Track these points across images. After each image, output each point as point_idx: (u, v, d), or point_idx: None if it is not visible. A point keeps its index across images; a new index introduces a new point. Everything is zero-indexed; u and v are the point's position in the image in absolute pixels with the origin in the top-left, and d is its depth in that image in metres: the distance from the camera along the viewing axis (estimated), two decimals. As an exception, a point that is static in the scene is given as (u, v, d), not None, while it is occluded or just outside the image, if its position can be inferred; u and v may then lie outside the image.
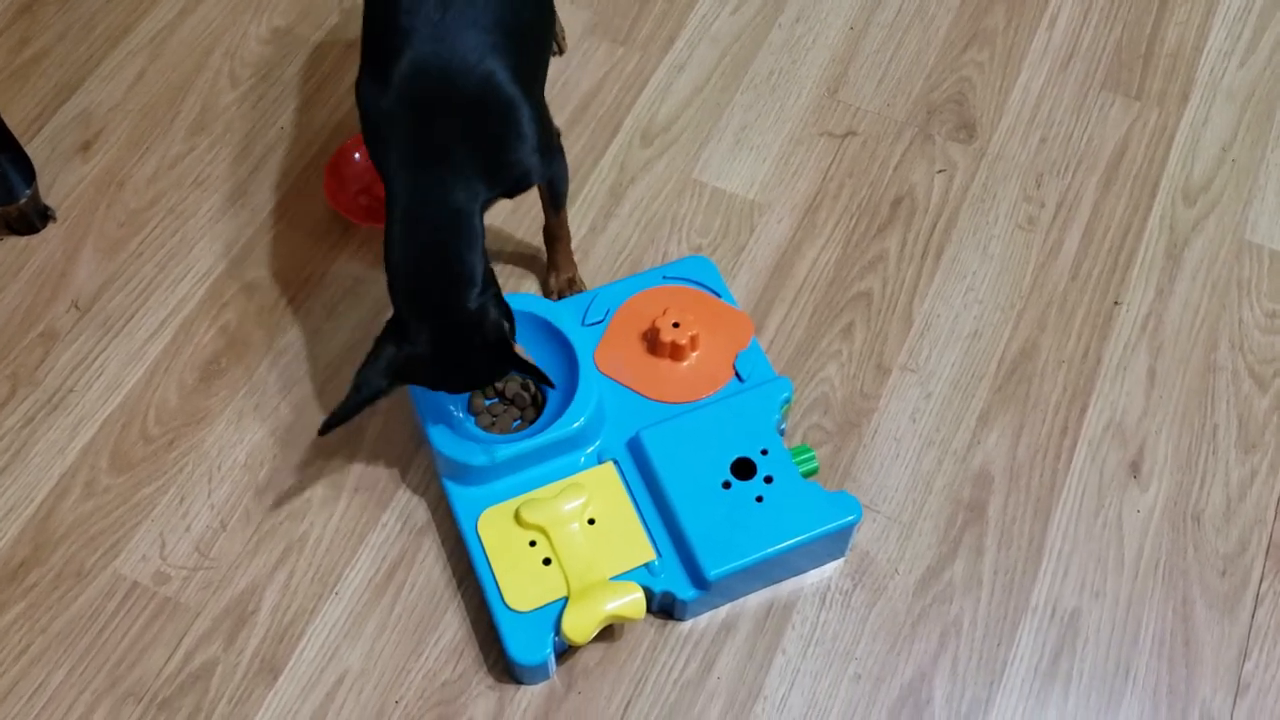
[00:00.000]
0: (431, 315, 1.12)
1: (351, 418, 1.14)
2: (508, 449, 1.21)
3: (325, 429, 1.13)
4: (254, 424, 1.31)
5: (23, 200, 1.37)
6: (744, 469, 1.21)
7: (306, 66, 1.57)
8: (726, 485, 1.20)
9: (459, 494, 1.22)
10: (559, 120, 1.51)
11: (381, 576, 1.24)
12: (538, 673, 1.16)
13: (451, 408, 1.24)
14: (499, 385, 1.28)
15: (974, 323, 1.38)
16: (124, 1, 1.59)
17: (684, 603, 1.18)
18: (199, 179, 1.47)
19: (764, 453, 1.21)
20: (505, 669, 1.17)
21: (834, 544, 1.21)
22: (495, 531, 1.20)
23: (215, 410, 1.32)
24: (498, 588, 1.16)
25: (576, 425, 1.21)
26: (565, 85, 1.54)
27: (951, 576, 1.23)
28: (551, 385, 1.18)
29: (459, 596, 1.22)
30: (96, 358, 1.35)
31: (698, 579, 1.17)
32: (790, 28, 1.60)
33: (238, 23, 1.58)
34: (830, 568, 1.23)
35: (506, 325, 1.15)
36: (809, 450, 1.24)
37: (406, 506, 1.27)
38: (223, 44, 1.57)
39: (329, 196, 1.42)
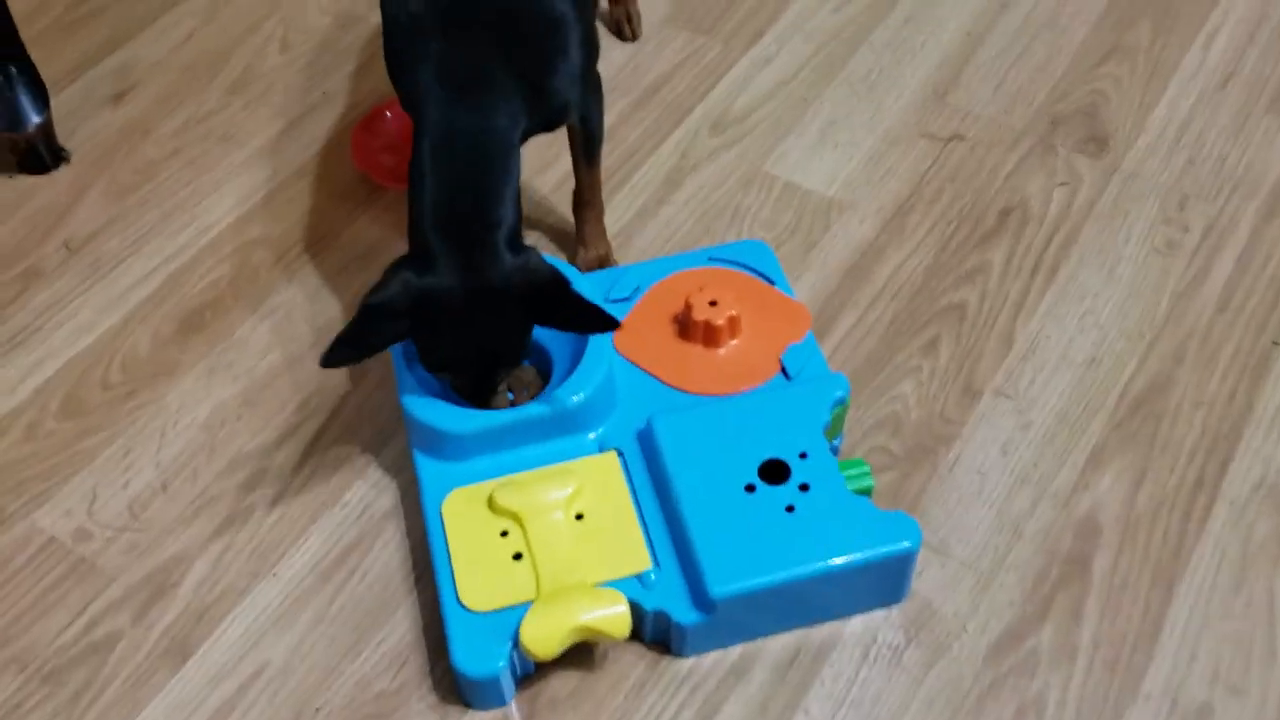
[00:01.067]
0: (465, 249, 0.93)
1: (359, 356, 0.94)
2: (488, 417, 1.00)
3: (329, 360, 0.92)
4: (224, 383, 1.14)
5: (31, 129, 1.26)
6: (776, 473, 0.98)
7: (362, 40, 1.44)
8: (751, 489, 0.96)
9: (428, 468, 1.01)
10: (621, 103, 1.35)
11: (330, 562, 1.03)
12: (489, 692, 0.92)
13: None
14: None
15: (1091, 349, 1.13)
16: (193, -32, 1.54)
17: (683, 629, 0.93)
18: (226, 134, 1.34)
19: (803, 456, 0.97)
20: (453, 685, 0.95)
21: (884, 581, 0.95)
22: (462, 515, 0.98)
23: (186, 364, 1.15)
24: (452, 579, 0.95)
25: (575, 399, 1.00)
26: (635, 70, 1.38)
27: (1037, 644, 0.95)
28: (615, 325, 0.94)
29: (414, 594, 1.00)
30: (74, 300, 1.20)
31: (700, 598, 0.92)
32: (898, 28, 1.41)
33: (301, -7, 1.50)
34: (879, 615, 0.97)
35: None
36: (863, 464, 1.00)
37: (375, 487, 1.06)
38: (280, 11, 1.46)
39: (354, 153, 1.27)
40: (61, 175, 1.31)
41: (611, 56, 1.40)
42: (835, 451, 1.04)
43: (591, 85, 1.06)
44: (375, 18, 1.47)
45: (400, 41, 0.97)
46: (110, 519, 1.06)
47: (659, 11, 1.44)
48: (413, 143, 0.96)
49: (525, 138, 0.99)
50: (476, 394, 1.00)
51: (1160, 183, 1.25)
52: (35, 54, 1.36)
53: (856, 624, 0.97)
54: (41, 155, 1.29)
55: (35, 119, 1.26)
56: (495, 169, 0.94)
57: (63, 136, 1.33)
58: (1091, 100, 1.33)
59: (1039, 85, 1.35)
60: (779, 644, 0.96)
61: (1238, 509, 1.01)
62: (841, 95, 1.35)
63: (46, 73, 1.38)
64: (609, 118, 1.33)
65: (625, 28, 1.41)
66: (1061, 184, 1.26)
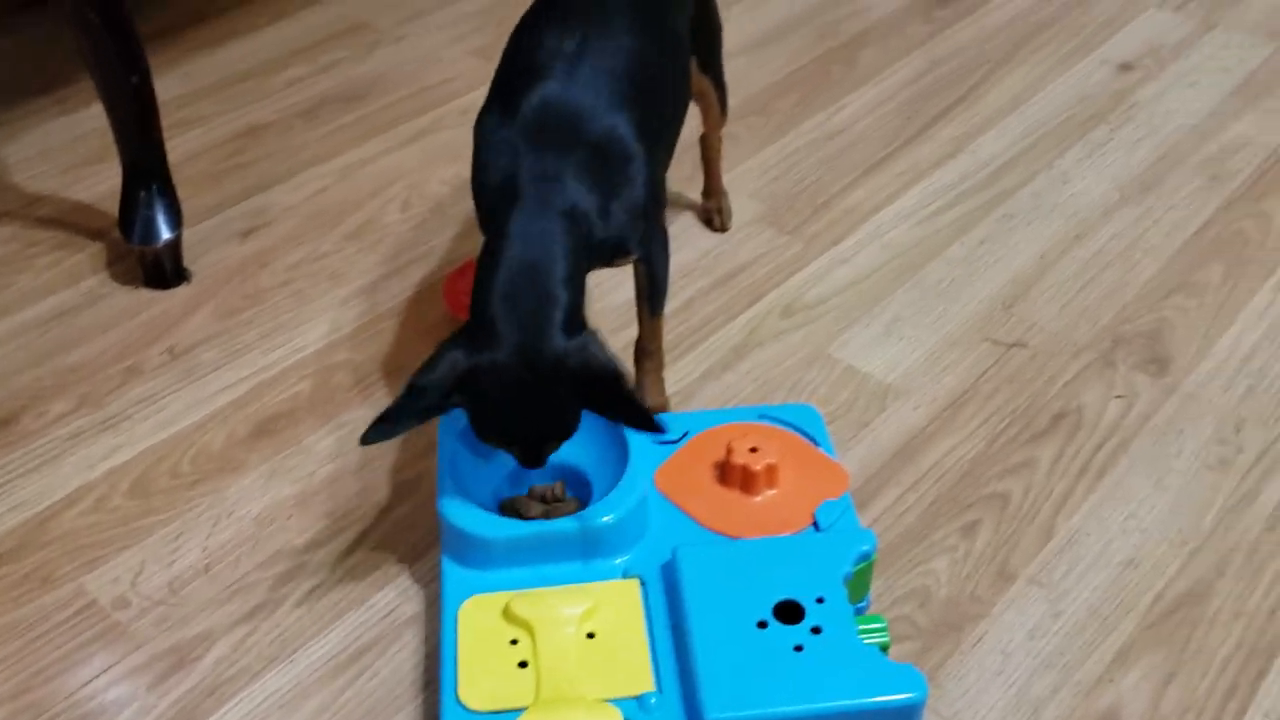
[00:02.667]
0: (523, 327, 0.98)
1: (400, 429, 0.98)
2: (515, 526, 1.03)
3: (368, 438, 0.97)
4: (283, 484, 1.20)
5: (161, 244, 1.39)
6: (791, 614, 0.98)
7: (471, 209, 1.56)
8: (763, 625, 0.96)
9: (453, 574, 1.03)
10: (702, 282, 1.43)
11: (346, 657, 1.04)
12: (473, 795, 0.91)
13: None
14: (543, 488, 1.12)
15: (1132, 550, 1.11)
16: (337, 138, 1.68)
17: (677, 756, 0.92)
18: (335, 273, 1.45)
19: (819, 601, 0.97)
20: (441, 788, 0.93)
21: (887, 736, 0.93)
22: (477, 619, 0.99)
23: (251, 464, 1.22)
24: (455, 677, 0.95)
25: (605, 520, 1.03)
26: (718, 257, 1.46)
27: (1046, 834, 0.91)
28: (659, 430, 0.97)
29: (420, 699, 1.00)
30: (165, 397, 1.29)
31: (697, 723, 0.92)
32: (974, 247, 1.47)
33: (428, 167, 1.62)
34: (881, 778, 0.94)
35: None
36: (882, 621, 0.98)
37: (403, 594, 1.09)
38: (406, 179, 1.60)
39: (445, 294, 1.37)
40: (180, 292, 1.43)
41: (698, 243, 1.49)
42: (860, 612, 1.04)
43: (656, 231, 1.14)
44: (487, 194, 1.60)
45: (490, 157, 1.06)
46: (151, 591, 1.10)
47: (750, 211, 1.54)
48: (484, 245, 1.04)
49: (593, 260, 1.06)
50: (526, 460, 1.02)
51: (1218, 405, 1.26)
52: (183, 190, 1.51)
53: (858, 784, 0.94)
54: (165, 271, 1.42)
55: (166, 235, 1.39)
56: (557, 258, 1.00)
57: (190, 260, 1.46)
58: (1156, 326, 1.36)
59: (1105, 308, 1.38)
60: (775, 793, 0.93)
61: (1272, 721, 0.97)
62: (911, 297, 1.40)
63: (189, 206, 1.53)
64: (688, 293, 1.42)
65: (715, 219, 1.50)
66: (1118, 396, 1.27)
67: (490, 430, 1.02)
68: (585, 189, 1.05)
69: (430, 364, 0.99)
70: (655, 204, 1.12)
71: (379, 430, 0.97)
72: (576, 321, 1.01)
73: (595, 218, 1.05)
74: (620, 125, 1.06)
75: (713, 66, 1.34)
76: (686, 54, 1.21)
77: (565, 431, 1.03)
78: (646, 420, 0.97)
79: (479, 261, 1.04)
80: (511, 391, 0.99)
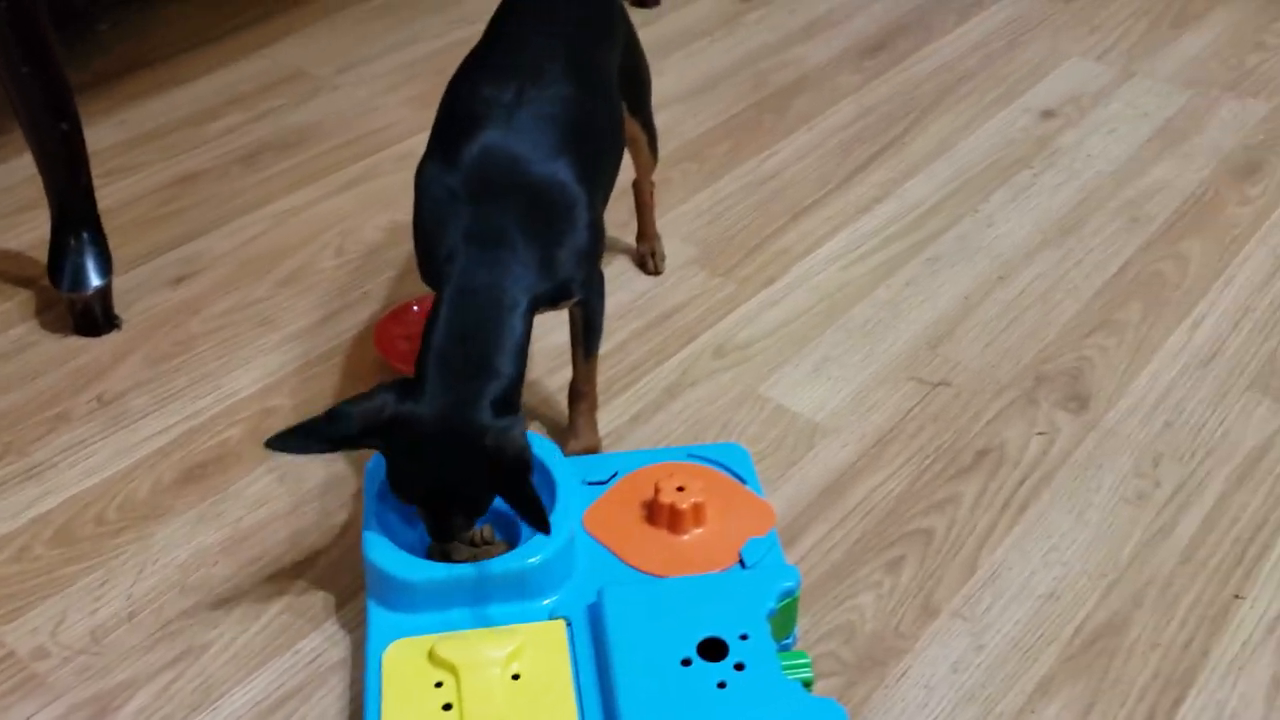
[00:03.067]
0: (454, 393, 1.00)
1: (307, 448, 0.99)
2: (440, 569, 1.03)
3: (274, 441, 0.98)
4: (209, 529, 1.19)
5: (90, 291, 1.39)
6: (715, 651, 0.98)
7: (407, 253, 1.56)
8: (687, 663, 0.97)
9: (378, 618, 1.03)
10: (636, 324, 1.44)
11: (270, 703, 1.03)
12: (396, 838, 0.91)
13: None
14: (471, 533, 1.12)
15: (1053, 583, 1.13)
16: (272, 184, 1.68)
17: (601, 796, 0.92)
18: (266, 319, 1.45)
19: (743, 638, 0.98)
20: (365, 833, 0.93)
21: (810, 770, 0.94)
22: (401, 664, 0.99)
23: (178, 510, 1.21)
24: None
25: (531, 561, 1.03)
26: (652, 299, 1.48)
27: None
28: (547, 531, 0.99)
29: (345, 742, 1.01)
30: (92, 444, 1.28)
31: (621, 762, 0.92)
32: (900, 289, 1.50)
33: (363, 213, 1.63)
34: (806, 813, 0.95)
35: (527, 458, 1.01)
36: (805, 657, 1.00)
37: (330, 640, 1.08)
38: (342, 225, 1.61)
39: (377, 338, 1.37)
40: (110, 339, 1.42)
41: (633, 286, 1.50)
42: (786, 648, 1.05)
43: (594, 277, 1.15)
44: (423, 240, 1.61)
45: (432, 208, 1.08)
46: (71, 641, 1.08)
47: (684, 254, 1.56)
48: (434, 299, 1.05)
49: (538, 307, 1.08)
50: (434, 531, 1.03)
51: (1137, 441, 1.29)
52: (116, 238, 1.51)
53: (782, 820, 0.94)
54: (96, 318, 1.41)
55: (96, 282, 1.38)
56: (503, 323, 1.02)
57: (121, 307, 1.45)
58: (1078, 364, 1.39)
59: (1028, 347, 1.41)
60: (700, 831, 0.94)
61: (1188, 749, 0.99)
62: (839, 338, 1.43)
63: (122, 254, 1.54)
64: (622, 335, 1.43)
65: (649, 262, 1.52)
66: (1040, 433, 1.30)
67: (401, 485, 1.03)
68: (530, 237, 1.06)
69: (363, 397, 1.01)
70: (596, 248, 1.14)
71: (286, 440, 0.98)
72: (510, 399, 1.03)
73: (541, 266, 1.07)
74: (562, 171, 1.09)
75: (642, 112, 1.37)
76: (618, 99, 1.24)
77: (473, 508, 1.04)
78: (541, 521, 0.98)
79: (427, 320, 1.05)
80: (425, 451, 1.00)
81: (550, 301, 1.11)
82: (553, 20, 1.19)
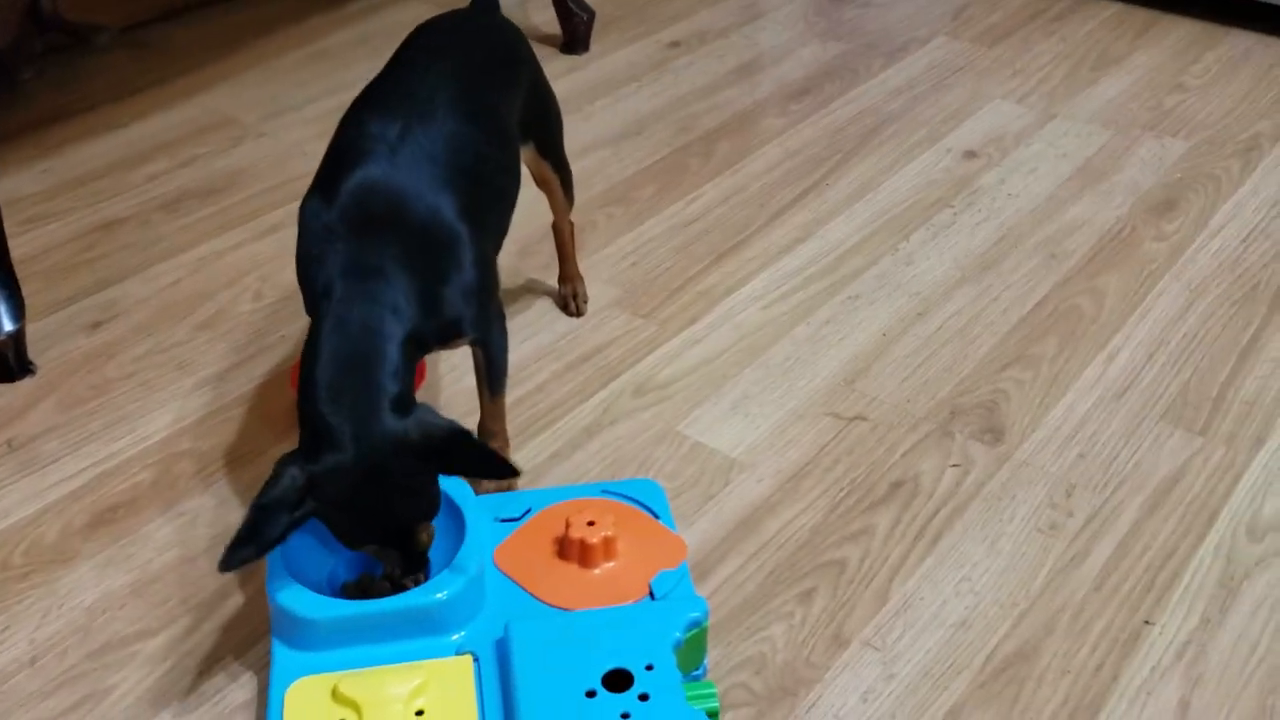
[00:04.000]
0: (355, 419, 0.98)
1: (260, 552, 0.95)
2: (342, 606, 1.02)
3: (227, 563, 0.94)
4: (118, 573, 1.17)
5: (3, 336, 1.36)
6: (620, 683, 0.98)
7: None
8: (591, 694, 0.96)
9: (283, 657, 1.01)
10: (555, 365, 1.44)
11: (171, 747, 1.02)
12: None
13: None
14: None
15: (965, 612, 1.13)
16: (194, 230, 1.68)
17: (502, 833, 0.90)
18: (183, 363, 1.44)
19: (649, 668, 0.97)
20: None
21: (715, 802, 0.93)
22: (303, 703, 0.97)
23: (86, 554, 1.19)
24: (279, 759, 0.94)
25: (439, 597, 1.02)
26: (573, 340, 1.48)
27: None
28: (517, 473, 1.00)
29: (246, 785, 0.99)
30: (1, 489, 1.26)
31: (522, 797, 0.91)
32: (819, 326, 1.51)
33: (283, 257, 1.62)
34: (712, 846, 0.94)
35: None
36: (711, 687, 0.99)
37: (235, 681, 1.07)
38: (260, 269, 1.60)
39: (292, 381, 1.36)
40: (23, 385, 1.40)
41: (555, 327, 1.51)
42: (695, 680, 1.04)
43: (492, 314, 1.15)
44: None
45: (312, 244, 1.07)
46: (-30, 687, 1.07)
47: (607, 296, 1.56)
48: (309, 335, 1.04)
49: (424, 343, 1.07)
50: (407, 566, 1.02)
51: (1050, 472, 1.30)
52: (34, 284, 1.51)
53: None
54: (8, 364, 1.39)
55: (8, 328, 1.37)
56: (381, 349, 1.01)
57: (36, 353, 1.44)
58: (993, 398, 1.40)
59: (944, 382, 1.43)
60: None
61: (1095, 774, 0.99)
62: (758, 375, 1.43)
63: (39, 300, 1.53)
64: (542, 375, 1.43)
65: (571, 304, 1.52)
66: (954, 465, 1.30)
67: (356, 536, 1.02)
68: (409, 273, 1.05)
69: (270, 483, 0.97)
70: (485, 285, 1.13)
71: (237, 555, 0.95)
72: (405, 403, 1.02)
73: (420, 304, 1.06)
74: (444, 207, 1.08)
75: (552, 151, 1.38)
76: (514, 139, 1.24)
77: (430, 510, 1.03)
78: (502, 466, 0.99)
79: (304, 352, 1.04)
80: (363, 489, 0.99)
81: (440, 340, 1.10)
82: (449, 59, 1.20)
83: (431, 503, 1.03)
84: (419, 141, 1.10)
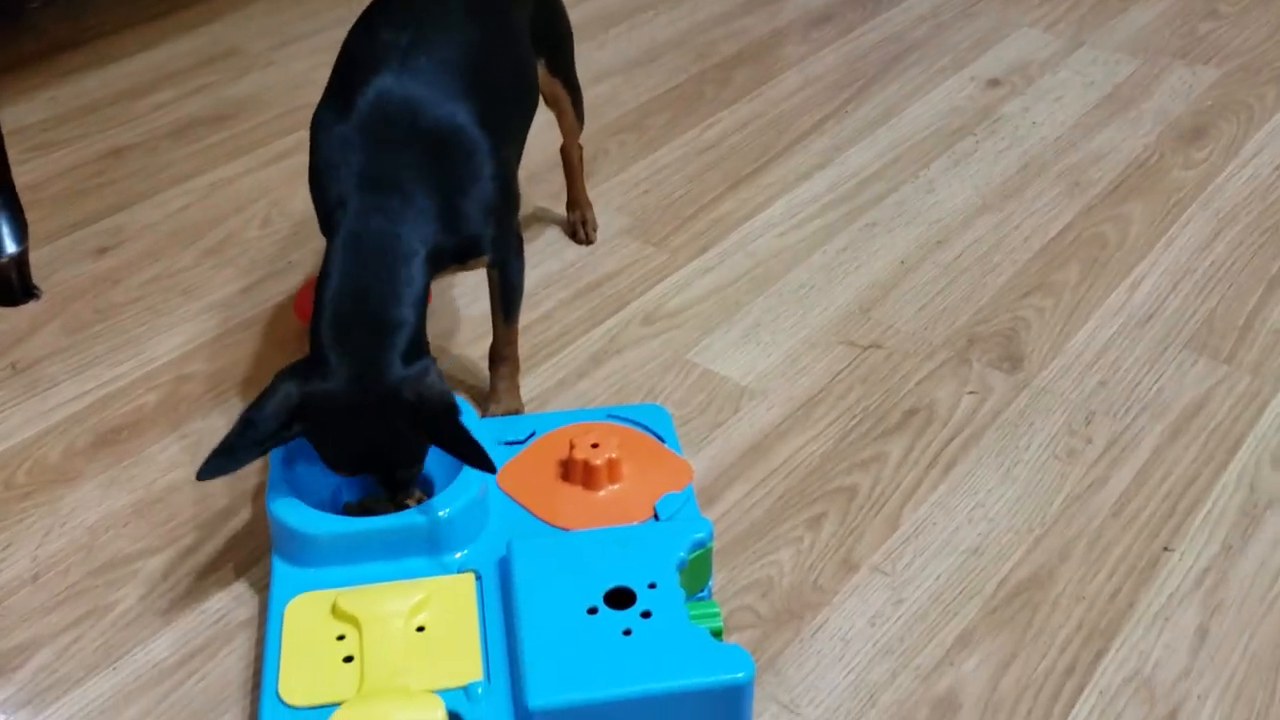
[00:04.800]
0: (359, 355, 0.96)
1: (238, 463, 0.95)
2: (343, 522, 1.01)
3: (205, 472, 0.95)
4: (121, 493, 1.16)
5: (6, 258, 1.36)
6: (622, 600, 0.96)
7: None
8: (593, 611, 0.95)
9: (283, 573, 1.00)
10: (564, 293, 1.42)
11: (173, 662, 1.01)
12: (289, 794, 0.88)
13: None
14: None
15: (977, 539, 1.11)
16: (202, 157, 1.66)
17: (501, 748, 0.90)
18: (190, 288, 1.43)
19: (652, 586, 0.96)
20: (260, 790, 0.90)
21: (717, 718, 0.91)
22: (303, 616, 0.96)
23: (89, 474, 1.18)
24: (276, 674, 0.92)
25: (441, 515, 1.01)
26: (582, 268, 1.45)
27: (879, 816, 0.90)
28: (492, 469, 0.96)
29: (247, 699, 0.97)
30: (4, 410, 1.25)
31: (521, 712, 0.89)
32: (835, 254, 1.48)
33: (291, 184, 1.60)
34: (713, 765, 0.92)
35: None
36: (715, 606, 0.97)
37: (237, 599, 1.06)
38: (269, 196, 1.58)
39: (297, 306, 1.35)
40: (28, 308, 1.39)
41: (564, 255, 1.48)
42: (701, 600, 1.02)
43: (509, 233, 1.13)
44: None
45: (325, 156, 1.05)
46: (-28, 603, 1.07)
47: (617, 224, 1.54)
48: (325, 251, 1.02)
49: (440, 262, 1.05)
50: (387, 488, 1.01)
51: (1069, 399, 1.27)
52: (40, 210, 1.49)
53: (689, 772, 0.92)
54: (12, 287, 1.38)
55: (11, 249, 1.36)
56: (397, 272, 0.99)
57: (41, 278, 1.43)
58: (1012, 325, 1.37)
59: (962, 310, 1.39)
60: (606, 784, 0.91)
61: (1107, 698, 0.96)
62: (771, 303, 1.41)
63: (46, 226, 1.52)
64: (549, 303, 1.41)
65: (580, 231, 1.50)
66: (971, 392, 1.28)
67: (336, 460, 1.01)
68: (428, 186, 1.03)
69: (264, 396, 0.97)
70: (506, 202, 1.11)
71: (215, 464, 0.95)
72: (416, 347, 1.00)
73: (439, 219, 1.04)
74: (461, 114, 1.05)
75: (563, 69, 1.34)
76: (528, 49, 1.21)
77: (412, 459, 1.01)
78: (479, 457, 0.96)
79: (317, 282, 1.02)
80: (348, 422, 0.98)
81: (457, 259, 1.08)
82: None
83: (414, 454, 1.01)
84: (434, 49, 1.07)
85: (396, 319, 0.99)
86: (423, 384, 0.97)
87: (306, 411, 0.96)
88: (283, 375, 0.98)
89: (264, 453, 0.98)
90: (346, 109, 1.05)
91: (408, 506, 1.05)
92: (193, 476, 1.16)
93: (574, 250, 1.50)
